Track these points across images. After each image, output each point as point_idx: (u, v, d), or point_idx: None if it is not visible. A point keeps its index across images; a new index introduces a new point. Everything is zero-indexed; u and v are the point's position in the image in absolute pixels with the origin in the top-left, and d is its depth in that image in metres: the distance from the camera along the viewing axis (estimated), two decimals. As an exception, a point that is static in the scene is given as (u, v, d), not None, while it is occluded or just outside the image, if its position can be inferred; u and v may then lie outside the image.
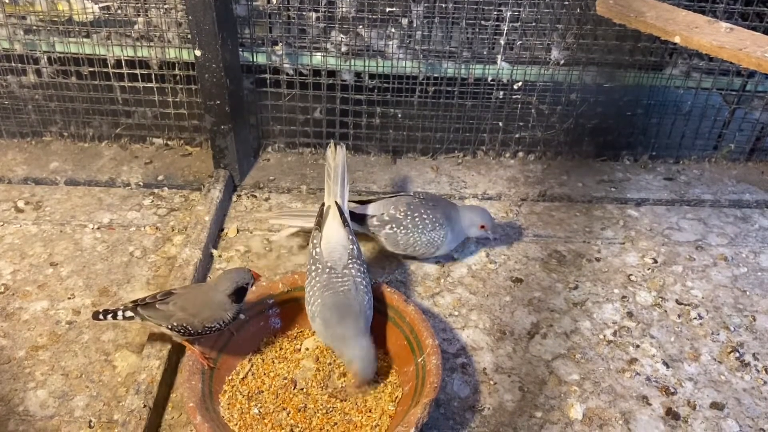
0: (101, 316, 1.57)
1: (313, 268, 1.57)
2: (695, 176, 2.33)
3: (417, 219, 1.81)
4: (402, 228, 1.82)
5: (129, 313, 1.54)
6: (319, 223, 1.65)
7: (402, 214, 1.82)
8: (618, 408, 1.58)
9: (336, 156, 1.74)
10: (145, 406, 1.47)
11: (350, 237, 1.61)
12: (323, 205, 1.70)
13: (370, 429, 1.45)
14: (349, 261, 1.56)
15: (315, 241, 1.61)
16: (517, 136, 2.32)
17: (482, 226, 1.85)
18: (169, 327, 1.49)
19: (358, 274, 1.55)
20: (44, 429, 1.48)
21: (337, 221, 1.64)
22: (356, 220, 1.84)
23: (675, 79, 2.24)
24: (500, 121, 2.28)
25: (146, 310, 1.51)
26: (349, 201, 1.79)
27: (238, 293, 1.50)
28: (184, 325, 1.48)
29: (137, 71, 2.17)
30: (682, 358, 1.70)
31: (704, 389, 1.63)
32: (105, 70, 2.17)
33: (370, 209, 1.87)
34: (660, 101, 2.29)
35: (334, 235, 1.61)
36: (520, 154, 2.36)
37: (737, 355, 1.71)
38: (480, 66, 2.18)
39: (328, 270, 1.54)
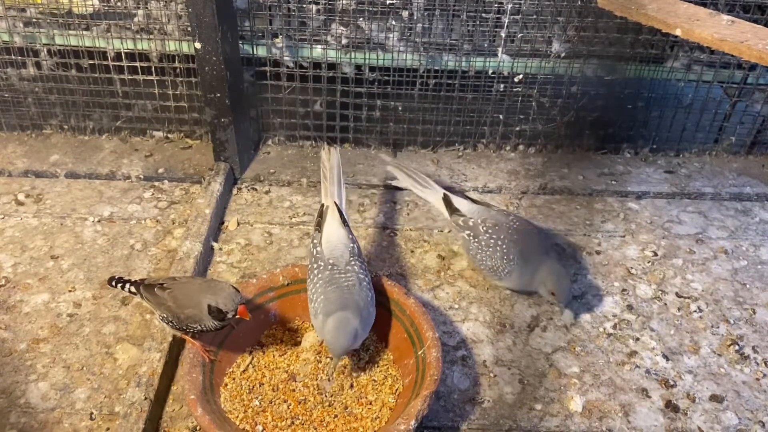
0: (113, 283, 1.58)
1: (315, 266, 1.56)
2: (696, 169, 2.32)
3: (491, 241, 1.74)
4: (476, 241, 1.76)
5: (132, 289, 1.55)
6: (319, 223, 1.65)
7: (483, 228, 1.76)
8: (618, 400, 1.58)
9: (331, 158, 1.74)
10: (146, 398, 1.48)
11: (350, 236, 1.61)
12: (322, 205, 1.69)
13: (371, 421, 1.45)
14: (351, 258, 1.56)
15: (315, 241, 1.61)
16: (517, 128, 2.32)
17: (552, 293, 1.69)
18: (159, 316, 1.50)
19: (361, 270, 1.55)
20: (46, 421, 1.49)
21: (336, 220, 1.64)
22: (451, 209, 1.83)
23: (676, 72, 2.24)
24: (501, 114, 2.28)
25: (146, 291, 1.51)
26: (456, 194, 1.84)
27: (212, 312, 1.42)
28: (170, 318, 1.47)
29: (137, 64, 2.17)
30: (681, 350, 1.70)
31: (704, 382, 1.63)
32: (105, 62, 2.17)
33: (466, 207, 1.83)
34: (661, 94, 2.29)
35: (334, 233, 1.61)
36: (521, 147, 2.36)
37: (737, 347, 1.71)
38: (481, 59, 2.18)
39: (330, 267, 1.54)
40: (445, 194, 1.87)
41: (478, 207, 1.84)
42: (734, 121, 2.36)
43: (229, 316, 1.43)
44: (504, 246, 1.73)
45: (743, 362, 1.68)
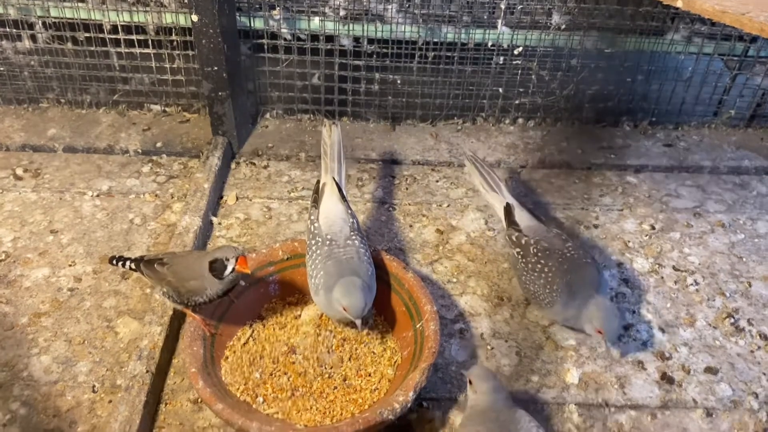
0: (114, 262, 1.60)
1: (313, 242, 1.57)
2: (695, 142, 2.32)
3: (538, 266, 1.61)
4: (523, 260, 1.64)
5: (132, 266, 1.56)
6: (315, 200, 1.64)
7: (533, 249, 1.63)
8: (614, 372, 1.60)
9: (331, 134, 1.73)
10: (147, 371, 1.49)
11: (349, 211, 1.61)
12: (318, 182, 1.69)
13: (370, 393, 1.47)
14: (351, 233, 1.57)
15: (312, 218, 1.61)
16: (517, 102, 2.31)
17: (599, 331, 1.55)
18: (160, 291, 1.51)
19: (361, 245, 1.55)
20: (49, 394, 1.51)
21: (335, 197, 1.63)
22: (509, 221, 1.71)
23: (676, 45, 2.22)
24: (500, 87, 2.27)
25: (146, 268, 1.52)
26: (520, 206, 1.73)
27: (214, 266, 1.44)
28: (172, 292, 1.48)
29: (134, 37, 2.15)
30: (677, 323, 1.72)
31: (699, 354, 1.65)
32: (101, 35, 2.15)
33: (525, 223, 1.71)
34: (661, 67, 2.27)
35: (333, 209, 1.61)
36: (520, 120, 2.35)
37: (732, 320, 1.73)
38: (480, 31, 2.16)
39: (329, 242, 1.54)
40: (508, 204, 1.74)
41: (538, 225, 1.71)
42: (734, 94, 2.35)
43: (229, 268, 1.43)
44: (550, 274, 1.59)
45: (738, 335, 1.70)
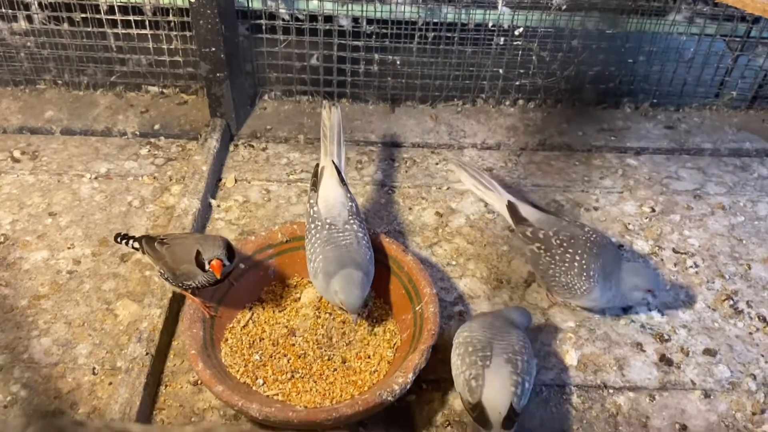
0: (119, 239, 1.61)
1: (312, 226, 1.56)
2: (696, 124, 2.31)
3: (568, 256, 1.57)
4: (548, 255, 1.59)
5: (135, 244, 1.57)
6: (315, 183, 1.64)
7: (557, 241, 1.58)
8: (612, 354, 1.61)
9: (331, 116, 1.71)
10: (147, 353, 1.50)
11: (348, 194, 1.60)
12: (317, 165, 1.68)
13: (369, 374, 1.48)
14: (350, 217, 1.56)
15: (312, 201, 1.60)
16: (517, 83, 2.29)
17: (649, 290, 1.57)
18: (158, 271, 1.51)
19: (359, 229, 1.55)
20: (49, 376, 1.51)
21: (334, 180, 1.62)
22: (517, 219, 1.67)
23: (678, 25, 2.20)
24: (501, 68, 2.25)
25: (148, 245, 1.52)
26: (522, 201, 1.68)
27: (198, 258, 1.42)
28: (168, 274, 1.48)
29: (131, 17, 2.13)
30: (676, 305, 1.72)
31: (698, 336, 1.65)
32: (98, 16, 2.13)
33: (534, 217, 1.66)
34: (662, 48, 2.26)
35: (332, 193, 1.60)
36: (521, 101, 2.34)
37: (731, 302, 1.73)
38: (480, 11, 2.14)
39: (328, 226, 1.54)
40: (510, 201, 1.70)
41: (548, 216, 1.67)
42: (736, 76, 2.34)
43: (207, 267, 1.42)
44: (583, 262, 1.56)
45: (737, 317, 1.70)
